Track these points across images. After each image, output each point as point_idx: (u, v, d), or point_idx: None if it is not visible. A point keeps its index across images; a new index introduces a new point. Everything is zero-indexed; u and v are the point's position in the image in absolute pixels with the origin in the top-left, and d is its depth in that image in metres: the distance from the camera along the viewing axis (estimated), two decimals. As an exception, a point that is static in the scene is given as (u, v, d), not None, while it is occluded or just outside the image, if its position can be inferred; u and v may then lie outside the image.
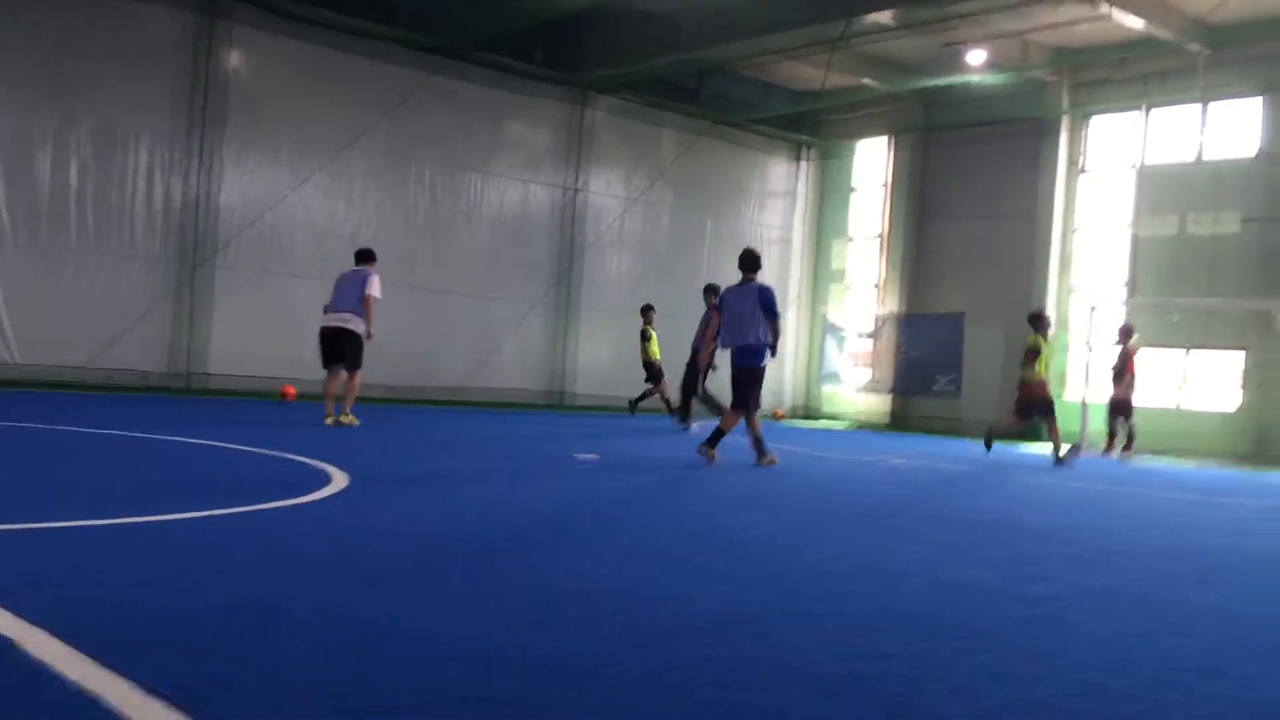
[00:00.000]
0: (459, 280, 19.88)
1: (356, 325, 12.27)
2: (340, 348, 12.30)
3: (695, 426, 16.13)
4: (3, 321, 15.66)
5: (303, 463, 8.21)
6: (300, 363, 17.83)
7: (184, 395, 16.21)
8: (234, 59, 17.47)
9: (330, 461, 8.19)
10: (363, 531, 5.54)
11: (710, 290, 15.99)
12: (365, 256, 12.84)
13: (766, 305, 10.46)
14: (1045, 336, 14.57)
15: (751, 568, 5.31)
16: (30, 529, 4.86)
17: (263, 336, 17.72)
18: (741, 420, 10.75)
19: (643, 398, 17.99)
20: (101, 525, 5.09)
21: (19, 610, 3.34)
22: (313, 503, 6.28)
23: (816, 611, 4.35)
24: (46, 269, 15.97)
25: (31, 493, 6.17)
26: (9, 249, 15.70)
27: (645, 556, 5.39)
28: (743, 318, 10.54)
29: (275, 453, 8.83)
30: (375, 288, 12.37)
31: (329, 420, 12.17)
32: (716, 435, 10.66)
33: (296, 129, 18.04)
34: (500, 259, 20.48)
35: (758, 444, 10.70)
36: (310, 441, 10.02)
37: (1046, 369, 14.55)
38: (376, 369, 18.72)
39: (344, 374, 12.43)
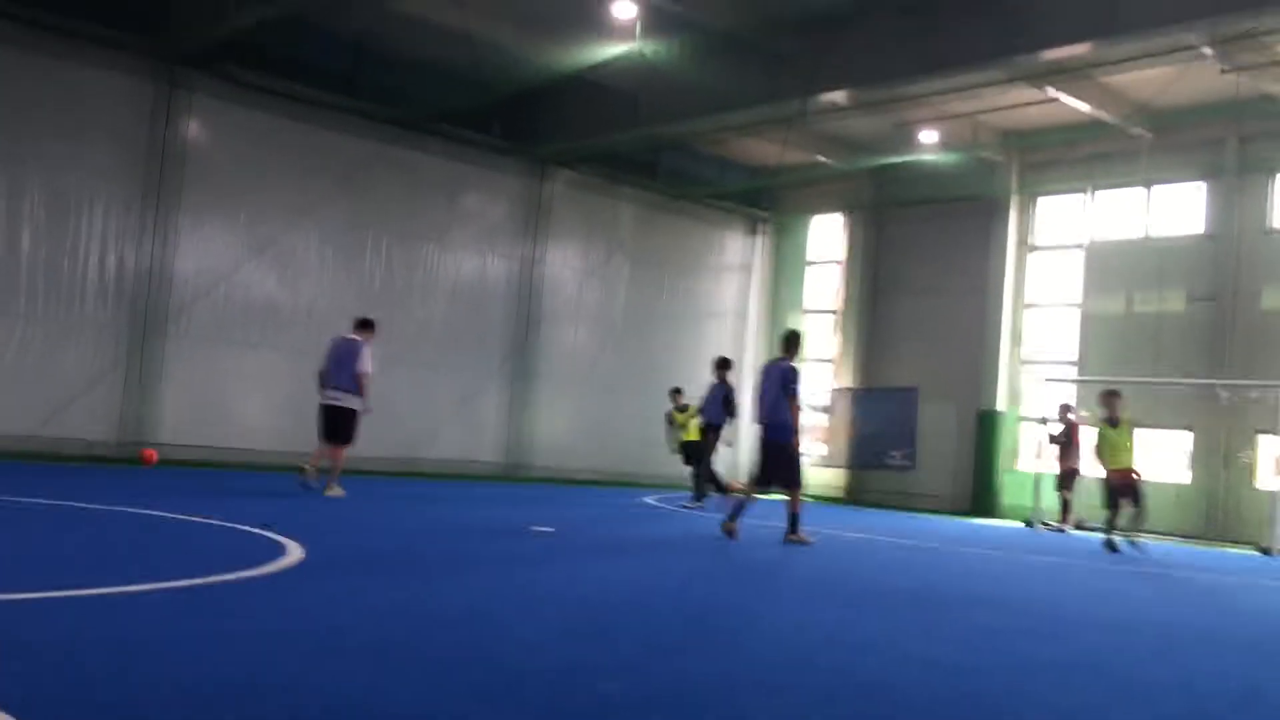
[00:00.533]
0: (415, 351, 19.78)
1: (351, 402, 12.47)
2: (337, 424, 12.50)
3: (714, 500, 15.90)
4: (-53, 389, 15.38)
5: (256, 534, 8.08)
6: (254, 431, 17.68)
7: (133, 465, 15.93)
8: (192, 129, 17.45)
9: (285, 533, 8.06)
10: (321, 605, 5.45)
11: (723, 364, 16.14)
12: (362, 325, 12.87)
13: (783, 384, 10.75)
14: (1113, 419, 13.54)
15: (708, 639, 5.28)
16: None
17: (215, 405, 17.52)
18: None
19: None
20: (48, 599, 4.97)
21: (-36, 684, 3.25)
22: (268, 575, 6.17)
23: (777, 683, 4.32)
24: (-6, 335, 15.73)
25: (-25, 563, 6.01)
26: (-44, 315, 15.48)
27: (601, 630, 5.34)
28: (767, 395, 10.93)
29: (228, 524, 8.68)
30: (366, 363, 12.48)
31: (309, 470, 12.26)
32: (736, 509, 10.92)
33: (253, 198, 18.00)
34: (457, 330, 20.44)
35: (793, 520, 10.83)
36: (263, 513, 9.87)
37: (1115, 454, 13.37)
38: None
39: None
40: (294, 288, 18.45)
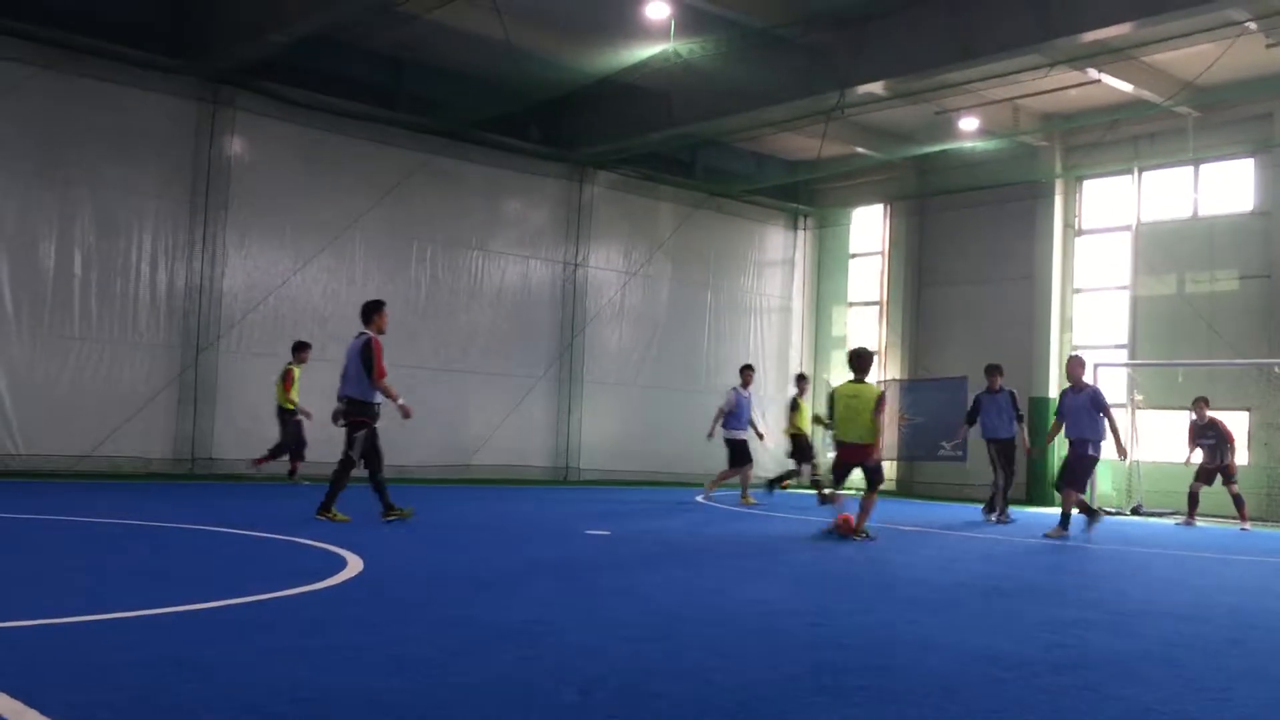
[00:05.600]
0: (462, 358, 19.88)
1: (741, 435, 16.39)
2: (744, 451, 16.46)
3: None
4: (7, 411, 15.63)
5: (315, 547, 8.16)
6: (308, 443, 17.83)
7: (189, 481, 16.15)
8: (236, 145, 17.64)
9: (342, 546, 8.14)
10: (386, 616, 5.49)
11: (995, 370, 15.99)
12: (748, 372, 16.99)
13: (1096, 406, 12.63)
14: None
15: (772, 642, 5.26)
16: (46, 624, 4.81)
17: (268, 421, 17.68)
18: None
19: (785, 477, 18.12)
20: (115, 619, 5.04)
21: (46, 709, 3.31)
22: (331, 588, 6.23)
23: (844, 685, 4.30)
24: (50, 357, 15.96)
25: (42, 587, 6.11)
26: (13, 338, 15.72)
27: (666, 633, 5.34)
28: (1076, 416, 12.69)
29: (287, 538, 8.78)
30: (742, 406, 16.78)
31: (749, 500, 16.40)
32: (1090, 514, 13.01)
33: (298, 212, 18.16)
34: (502, 335, 20.52)
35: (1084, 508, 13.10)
36: (322, 526, 9.98)
37: None
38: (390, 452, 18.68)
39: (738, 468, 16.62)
40: (341, 299, 18.56)
